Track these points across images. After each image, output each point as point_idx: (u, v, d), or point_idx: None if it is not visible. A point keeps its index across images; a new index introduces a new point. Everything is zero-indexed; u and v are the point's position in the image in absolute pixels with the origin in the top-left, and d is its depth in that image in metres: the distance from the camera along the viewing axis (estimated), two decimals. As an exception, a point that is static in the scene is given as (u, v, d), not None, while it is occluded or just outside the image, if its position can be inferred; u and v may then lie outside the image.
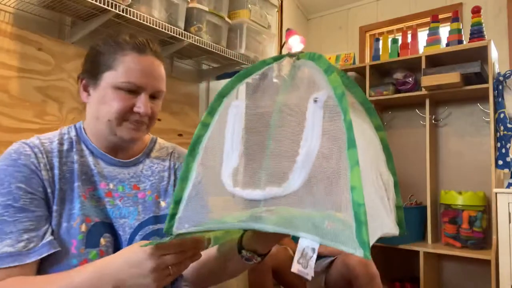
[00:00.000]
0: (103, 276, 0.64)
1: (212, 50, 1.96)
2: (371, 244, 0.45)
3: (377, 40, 2.50)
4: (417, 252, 2.08)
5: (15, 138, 1.42)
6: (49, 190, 0.75)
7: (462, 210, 2.06)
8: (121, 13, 1.52)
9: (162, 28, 1.68)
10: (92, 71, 0.80)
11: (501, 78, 2.01)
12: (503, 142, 1.96)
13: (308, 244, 0.49)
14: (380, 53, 2.45)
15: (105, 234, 0.77)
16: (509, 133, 1.94)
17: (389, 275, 2.32)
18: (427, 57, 2.21)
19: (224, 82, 2.55)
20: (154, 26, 1.65)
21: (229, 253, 0.77)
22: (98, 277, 0.64)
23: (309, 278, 0.49)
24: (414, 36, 2.40)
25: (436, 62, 2.24)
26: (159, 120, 1.50)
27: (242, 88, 0.65)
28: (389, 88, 2.34)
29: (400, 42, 2.43)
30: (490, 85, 1.99)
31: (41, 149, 0.77)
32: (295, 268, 0.49)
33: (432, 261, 2.19)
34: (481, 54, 2.05)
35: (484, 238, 2.05)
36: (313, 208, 0.53)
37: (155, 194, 0.87)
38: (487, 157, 2.09)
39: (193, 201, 0.63)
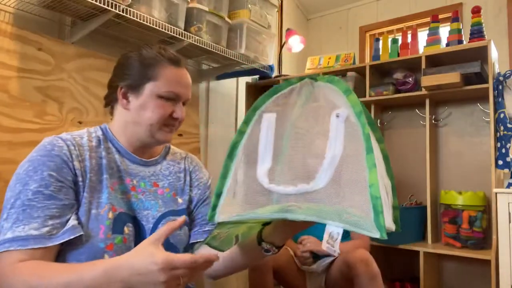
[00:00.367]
0: (112, 278, 0.67)
1: (212, 50, 1.96)
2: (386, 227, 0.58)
3: (377, 40, 2.50)
4: (417, 252, 2.08)
5: (15, 138, 1.42)
6: (80, 179, 0.83)
7: (462, 210, 2.06)
8: (121, 13, 1.53)
9: (162, 28, 1.68)
10: (134, 81, 0.90)
11: (501, 78, 2.00)
12: (503, 142, 1.96)
13: (333, 229, 0.62)
14: (380, 53, 2.45)
15: (128, 224, 0.86)
16: (509, 133, 1.94)
17: (389, 275, 2.32)
18: (427, 57, 2.20)
19: (224, 82, 2.57)
20: (154, 26, 1.65)
21: (249, 245, 0.86)
22: (107, 279, 0.67)
23: (336, 254, 0.63)
24: (414, 36, 2.40)
25: (436, 62, 2.23)
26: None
27: (271, 102, 0.79)
28: (389, 88, 2.34)
29: (400, 42, 2.43)
30: (490, 85, 1.98)
31: (73, 142, 0.86)
32: (325, 246, 0.62)
33: (432, 261, 2.19)
34: (481, 54, 2.05)
35: (484, 238, 2.04)
36: (336, 202, 0.64)
37: (172, 192, 0.98)
38: (487, 157, 2.09)
39: (231, 195, 0.76)
